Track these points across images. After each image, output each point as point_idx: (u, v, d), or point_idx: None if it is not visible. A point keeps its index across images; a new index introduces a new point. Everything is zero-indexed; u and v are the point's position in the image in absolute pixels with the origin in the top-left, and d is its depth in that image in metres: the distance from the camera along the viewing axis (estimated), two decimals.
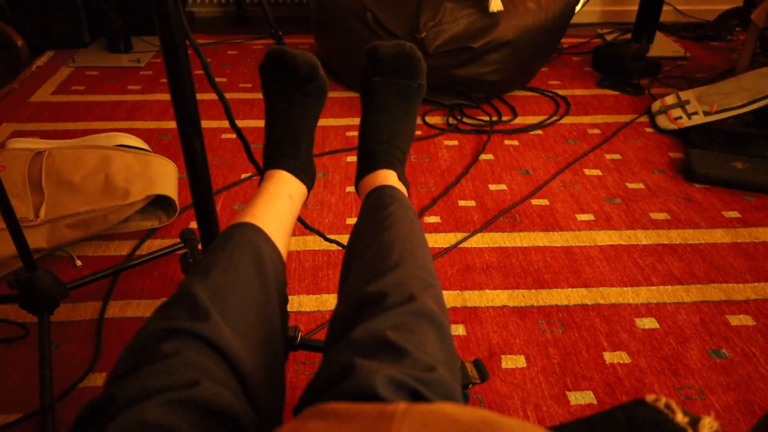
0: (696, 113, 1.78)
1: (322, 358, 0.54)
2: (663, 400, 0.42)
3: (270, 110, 0.88)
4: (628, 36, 2.44)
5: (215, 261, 0.60)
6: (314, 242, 1.34)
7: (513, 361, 1.06)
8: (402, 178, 0.88)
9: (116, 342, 1.09)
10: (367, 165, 0.89)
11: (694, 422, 0.40)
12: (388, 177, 0.85)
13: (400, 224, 0.70)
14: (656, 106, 1.91)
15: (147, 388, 0.44)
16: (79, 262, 1.27)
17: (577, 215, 1.45)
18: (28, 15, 2.24)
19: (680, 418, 0.40)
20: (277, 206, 0.76)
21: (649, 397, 0.42)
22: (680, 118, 1.80)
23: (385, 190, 0.80)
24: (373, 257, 0.64)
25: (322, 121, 1.87)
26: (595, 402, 1.00)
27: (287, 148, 0.85)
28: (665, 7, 2.33)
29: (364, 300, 0.56)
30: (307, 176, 0.86)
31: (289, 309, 1.17)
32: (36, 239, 1.22)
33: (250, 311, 0.57)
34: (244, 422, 0.46)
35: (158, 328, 0.50)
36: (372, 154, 0.88)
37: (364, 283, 0.59)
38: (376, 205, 0.77)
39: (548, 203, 1.50)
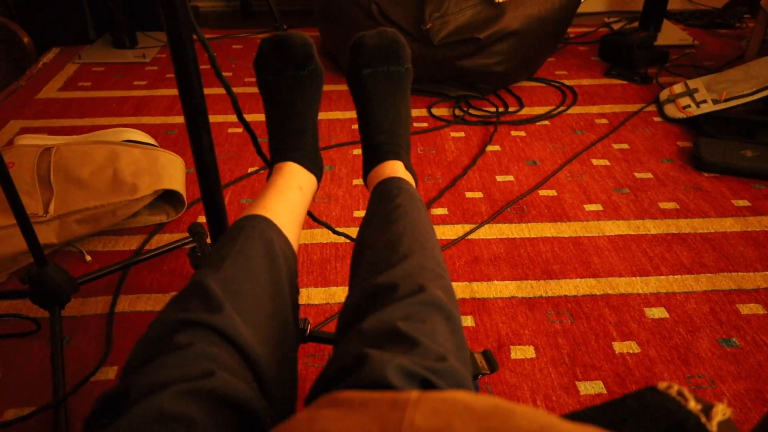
0: (705, 101, 1.76)
1: (333, 350, 0.54)
2: (675, 387, 0.41)
3: (270, 105, 0.88)
4: (635, 25, 2.42)
5: (226, 253, 0.60)
6: (322, 235, 1.34)
7: (522, 352, 1.06)
8: (408, 167, 0.88)
9: (127, 336, 1.10)
10: (372, 157, 0.89)
11: (707, 409, 0.39)
12: (395, 168, 0.85)
13: (408, 216, 0.70)
14: (664, 95, 1.90)
15: (161, 378, 0.44)
16: (88, 257, 1.28)
17: (585, 205, 1.45)
18: (34, 12, 2.24)
19: (693, 405, 0.40)
20: (287, 198, 0.76)
21: (662, 385, 0.42)
22: (689, 106, 1.78)
23: (392, 182, 0.80)
24: (382, 249, 0.65)
25: (329, 115, 1.87)
26: (604, 392, 0.99)
27: (293, 140, 0.85)
28: None
29: (375, 291, 0.57)
30: (315, 166, 0.86)
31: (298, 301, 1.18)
32: (46, 235, 1.23)
33: (262, 303, 0.57)
34: (258, 412, 0.47)
35: (172, 320, 0.50)
36: (376, 146, 0.88)
37: (373, 275, 0.59)
38: (384, 198, 0.77)
39: (556, 194, 1.49)
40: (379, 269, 0.60)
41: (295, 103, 0.86)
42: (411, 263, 0.60)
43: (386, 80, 0.90)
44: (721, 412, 0.39)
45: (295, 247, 0.71)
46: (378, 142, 0.88)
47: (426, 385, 0.43)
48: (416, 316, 0.51)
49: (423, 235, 0.67)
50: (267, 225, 0.67)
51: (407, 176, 0.85)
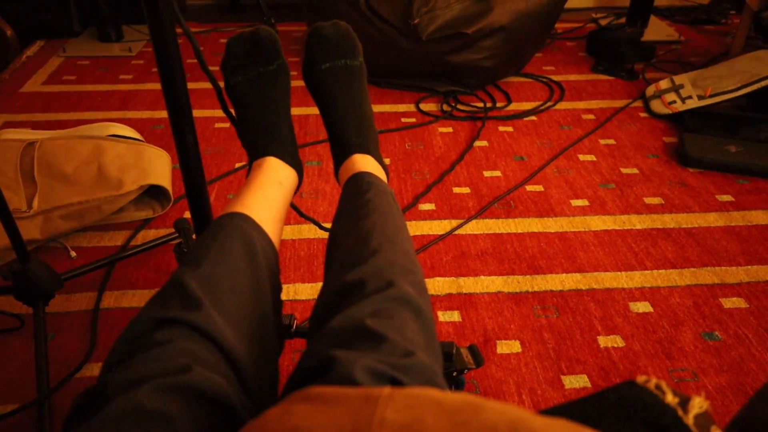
0: (690, 97, 1.78)
1: (304, 347, 0.54)
2: (653, 381, 0.42)
3: (243, 106, 0.86)
4: (623, 20, 2.43)
5: (206, 251, 0.60)
6: (309, 231, 1.34)
7: (508, 347, 1.07)
8: (379, 160, 0.87)
9: (112, 332, 1.09)
10: (342, 153, 0.87)
11: (684, 402, 0.40)
12: (366, 162, 0.84)
13: (378, 211, 0.70)
14: (650, 90, 1.91)
15: (139, 374, 0.44)
16: (73, 253, 1.27)
17: (571, 201, 1.46)
18: (17, 4, 2.21)
19: (670, 398, 0.40)
20: (267, 194, 0.76)
21: (640, 379, 0.42)
22: (674, 102, 1.80)
23: (363, 176, 0.79)
24: (352, 246, 0.64)
25: (305, 110, 1.86)
26: (589, 385, 1.00)
27: (269, 135, 0.84)
28: None
29: (344, 289, 0.57)
30: (295, 160, 0.85)
31: (284, 297, 1.17)
32: (29, 230, 1.22)
33: (241, 299, 0.57)
34: (236, 407, 0.47)
35: (151, 318, 0.50)
36: (345, 141, 0.87)
37: (343, 272, 0.59)
38: (354, 193, 0.76)
39: (543, 189, 1.50)
40: (349, 266, 0.60)
41: (268, 99, 0.84)
42: (380, 259, 0.59)
43: (347, 74, 0.88)
44: (697, 405, 0.40)
45: (276, 243, 0.71)
46: (347, 136, 0.87)
47: (394, 383, 0.43)
48: (384, 311, 0.51)
49: (393, 231, 0.66)
50: (246, 222, 0.67)
51: (378, 170, 0.84)
